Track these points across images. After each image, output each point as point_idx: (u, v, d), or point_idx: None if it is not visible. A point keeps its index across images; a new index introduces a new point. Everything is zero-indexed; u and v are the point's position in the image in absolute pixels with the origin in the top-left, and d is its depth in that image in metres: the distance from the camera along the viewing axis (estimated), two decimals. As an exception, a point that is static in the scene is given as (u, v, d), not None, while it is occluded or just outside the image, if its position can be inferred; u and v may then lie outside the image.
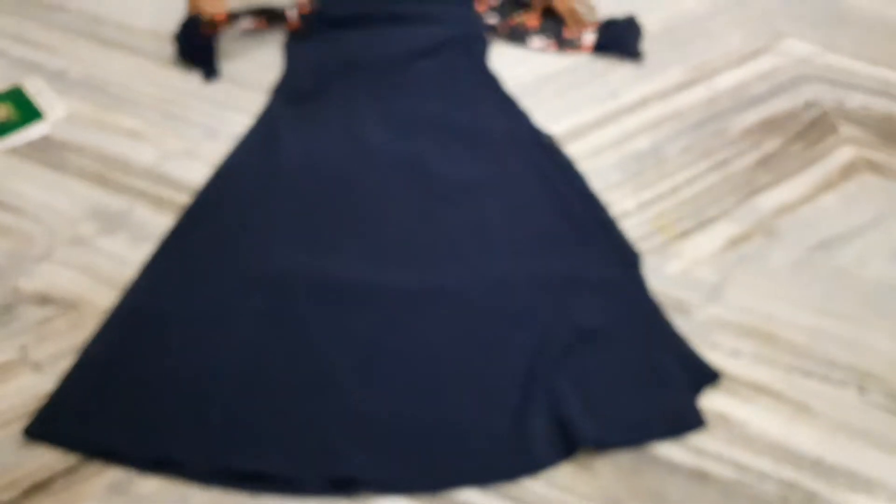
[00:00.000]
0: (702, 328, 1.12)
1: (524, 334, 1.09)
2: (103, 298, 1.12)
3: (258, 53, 1.48)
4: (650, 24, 1.55)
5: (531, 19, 1.54)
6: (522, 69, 1.47)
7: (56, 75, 1.43)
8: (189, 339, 1.07)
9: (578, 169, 1.29)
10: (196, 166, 1.29)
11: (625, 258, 1.18)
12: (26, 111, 1.35)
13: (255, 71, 1.45)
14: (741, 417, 1.04)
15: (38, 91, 1.39)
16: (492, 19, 1.53)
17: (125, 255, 1.18)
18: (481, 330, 1.10)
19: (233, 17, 1.48)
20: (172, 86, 1.42)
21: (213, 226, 1.19)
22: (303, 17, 1.51)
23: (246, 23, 1.51)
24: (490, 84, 1.43)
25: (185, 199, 1.24)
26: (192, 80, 1.43)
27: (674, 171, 1.31)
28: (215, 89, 1.41)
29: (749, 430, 1.03)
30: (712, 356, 1.09)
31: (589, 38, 1.50)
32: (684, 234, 1.23)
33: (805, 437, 1.03)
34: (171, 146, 1.32)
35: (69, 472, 0.97)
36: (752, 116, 1.40)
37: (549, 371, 1.05)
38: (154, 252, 1.16)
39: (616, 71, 1.47)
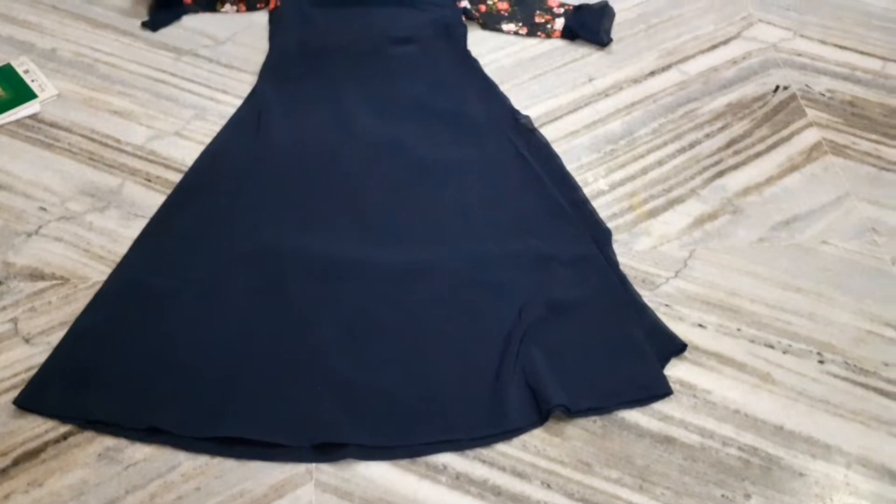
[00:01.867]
0: (668, 301, 1.18)
1: (501, 307, 1.15)
2: (94, 273, 1.17)
3: (247, 36, 1.52)
4: (625, 12, 1.60)
5: (502, 3, 1.58)
6: (501, 54, 1.52)
7: (46, 55, 1.46)
8: (178, 312, 1.12)
9: (554, 150, 1.34)
10: (186, 145, 1.33)
11: (597, 235, 1.24)
12: (16, 90, 1.38)
13: (244, 53, 1.48)
14: (705, 386, 1.10)
15: (28, 71, 1.42)
16: (464, 3, 1.57)
17: (116, 231, 1.22)
18: (461, 303, 1.15)
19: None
20: (163, 67, 1.45)
21: (203, 203, 1.24)
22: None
23: (227, 7, 1.55)
24: (470, 68, 1.47)
25: (175, 176, 1.28)
26: (181, 63, 1.46)
27: (645, 153, 1.37)
28: (205, 72, 1.45)
29: (713, 398, 1.09)
30: (678, 328, 1.15)
31: (559, 22, 1.55)
32: (653, 213, 1.29)
33: (767, 405, 1.09)
34: (162, 126, 1.36)
35: (60, 440, 1.02)
36: (721, 100, 1.46)
37: (523, 341, 1.11)
38: (145, 228, 1.20)
39: (592, 57, 1.52)
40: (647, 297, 1.17)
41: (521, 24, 1.56)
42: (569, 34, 1.55)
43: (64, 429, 1.02)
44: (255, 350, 1.09)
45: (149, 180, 1.28)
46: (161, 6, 1.53)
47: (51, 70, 1.44)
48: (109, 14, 1.54)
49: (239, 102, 1.39)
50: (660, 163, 1.35)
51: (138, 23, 1.52)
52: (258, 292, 1.14)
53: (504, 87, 1.44)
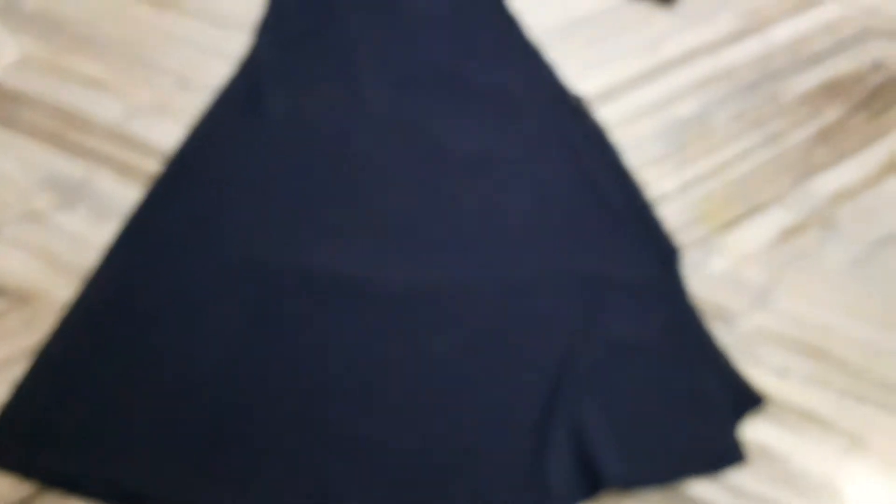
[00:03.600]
0: (746, 340, 0.98)
1: (544, 345, 0.95)
2: (61, 289, 0.98)
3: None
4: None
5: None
6: (547, 12, 1.27)
7: (7, 7, 1.23)
8: (158, 345, 0.93)
9: (611, 139, 1.11)
10: (167, 124, 1.11)
11: (662, 253, 1.03)
12: (-30, 52, 1.16)
13: (238, 4, 1.24)
14: (785, 451, 0.91)
15: (-16, 27, 1.19)
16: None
17: (86, 235, 1.02)
18: (495, 339, 0.96)
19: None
20: (141, 23, 1.22)
21: (186, 202, 1.03)
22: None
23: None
24: (509, 30, 1.23)
25: (153, 165, 1.07)
26: (164, 18, 1.22)
27: (722, 144, 1.14)
28: (190, 29, 1.21)
29: (793, 466, 0.91)
30: (756, 374, 0.95)
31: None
32: (731, 223, 1.07)
33: (857, 476, 0.91)
34: (139, 98, 1.14)
35: (24, 502, 0.85)
36: (811, 79, 1.21)
37: (573, 392, 0.92)
38: (118, 234, 1.00)
39: (658, 18, 1.27)
40: (720, 335, 0.97)
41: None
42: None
43: (28, 489, 0.86)
44: (248, 398, 0.90)
45: (123, 169, 1.07)
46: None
47: (12, 25, 1.20)
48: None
49: (231, 69, 1.16)
50: (738, 158, 1.13)
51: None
52: (251, 321, 0.95)
53: (550, 55, 1.20)
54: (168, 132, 1.10)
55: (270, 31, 1.20)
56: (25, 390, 0.90)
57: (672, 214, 1.07)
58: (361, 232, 1.02)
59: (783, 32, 1.25)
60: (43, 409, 0.89)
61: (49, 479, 0.86)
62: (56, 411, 0.89)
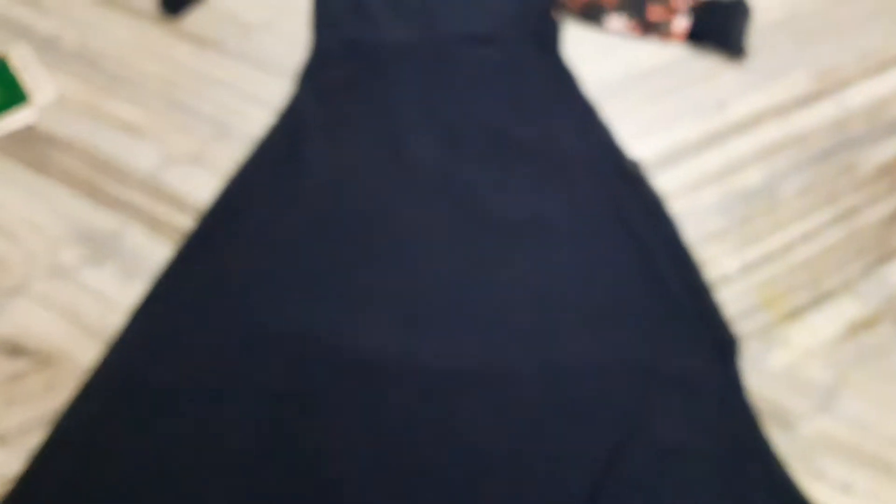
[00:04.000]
0: (806, 448, 0.90)
1: (590, 441, 0.89)
2: (84, 352, 0.94)
3: (285, 23, 1.22)
4: (768, 11, 1.24)
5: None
6: (604, 64, 1.19)
7: (46, 43, 1.20)
8: (180, 420, 0.89)
9: (669, 209, 1.03)
10: (202, 176, 1.07)
11: (719, 344, 0.95)
12: (10, 91, 1.13)
13: (280, 47, 1.19)
14: (847, 577, 0.84)
15: (24, 65, 1.16)
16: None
17: (113, 295, 0.98)
18: (536, 430, 0.89)
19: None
20: (180, 64, 1.18)
21: (215, 264, 0.98)
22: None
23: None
24: (565, 85, 1.15)
25: (185, 220, 1.03)
26: (204, 59, 1.18)
27: (788, 221, 1.05)
28: (230, 71, 1.17)
29: None
30: (816, 489, 0.88)
31: (681, 22, 1.20)
32: (795, 313, 0.99)
33: None
34: (175, 146, 1.10)
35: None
36: (890, 149, 1.11)
37: (616, 494, 0.85)
38: (145, 296, 0.96)
39: (724, 73, 1.18)
40: (779, 441, 0.90)
41: (631, 21, 1.22)
42: (694, 38, 1.20)
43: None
44: (269, 480, 0.86)
45: (155, 224, 1.03)
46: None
47: (51, 64, 1.17)
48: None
49: (270, 117, 1.11)
50: (807, 238, 1.04)
51: (154, 4, 1.23)
52: (275, 397, 0.90)
53: (606, 112, 1.12)
54: (203, 184, 1.06)
55: (312, 78, 1.15)
56: (40, 463, 0.87)
57: (732, 299, 0.99)
58: (398, 302, 0.97)
59: (861, 96, 1.16)
60: (57, 485, 0.86)
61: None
62: (70, 489, 0.85)
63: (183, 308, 0.95)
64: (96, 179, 1.07)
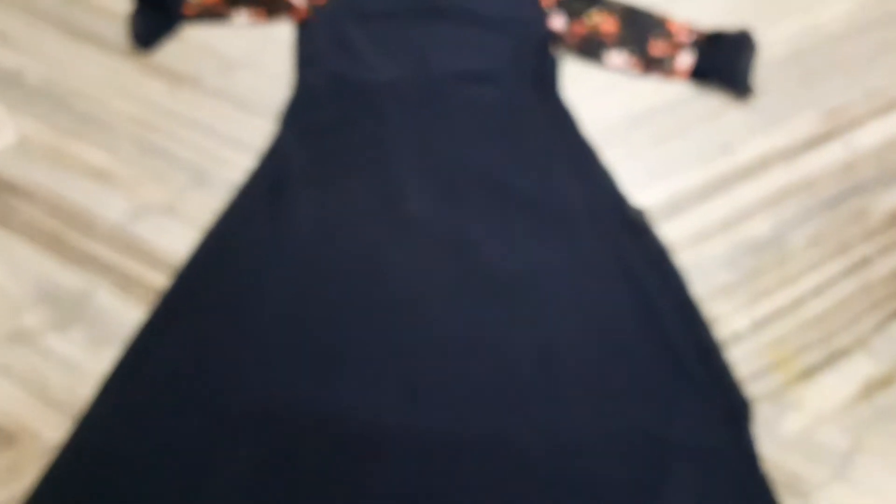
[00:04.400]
0: (826, 523, 0.85)
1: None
2: (50, 429, 0.87)
3: (266, 57, 1.15)
4: (773, 46, 1.19)
5: (608, 23, 1.18)
6: (607, 105, 1.13)
7: (10, 78, 1.11)
8: (159, 502, 0.82)
9: (675, 262, 0.98)
10: (177, 228, 1.00)
11: (731, 408, 0.90)
12: (-35, 132, 1.05)
13: (262, 84, 1.12)
14: None
15: (-18, 103, 1.08)
16: (557, 21, 1.17)
17: (81, 363, 0.91)
18: (535, 507, 0.84)
19: (227, 2, 1.15)
20: (153, 102, 1.10)
21: (191, 330, 0.91)
22: (315, 7, 1.16)
23: (240, 17, 1.17)
24: (564, 128, 1.09)
25: (159, 278, 0.96)
26: (179, 98, 1.10)
27: (799, 274, 1.00)
28: (208, 111, 1.09)
29: None
30: (838, 567, 0.83)
31: (685, 59, 1.15)
32: (808, 373, 0.94)
33: None
34: (148, 195, 1.02)
35: None
36: (901, 193, 1.07)
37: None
38: (116, 365, 0.89)
39: (729, 113, 1.13)
40: (797, 515, 0.85)
41: (632, 57, 1.16)
42: (699, 75, 1.15)
43: None
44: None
45: (126, 283, 0.96)
46: (148, 8, 1.15)
47: (11, 102, 1.09)
48: (95, 20, 1.17)
49: (251, 162, 1.04)
50: (818, 291, 0.99)
51: (129, 34, 1.15)
52: (259, 475, 0.83)
53: (608, 156, 1.06)
54: (178, 237, 0.98)
55: (296, 119, 1.08)
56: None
57: (742, 359, 0.94)
58: (392, 369, 0.90)
59: (869, 137, 1.11)
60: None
61: None
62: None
63: (158, 378, 0.88)
64: (61, 232, 0.99)
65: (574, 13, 1.18)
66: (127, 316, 0.93)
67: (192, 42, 1.15)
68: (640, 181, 1.05)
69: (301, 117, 1.08)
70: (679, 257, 1.00)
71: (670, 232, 1.02)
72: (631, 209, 1.02)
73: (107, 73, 1.12)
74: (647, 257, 0.99)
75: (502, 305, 0.95)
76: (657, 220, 1.03)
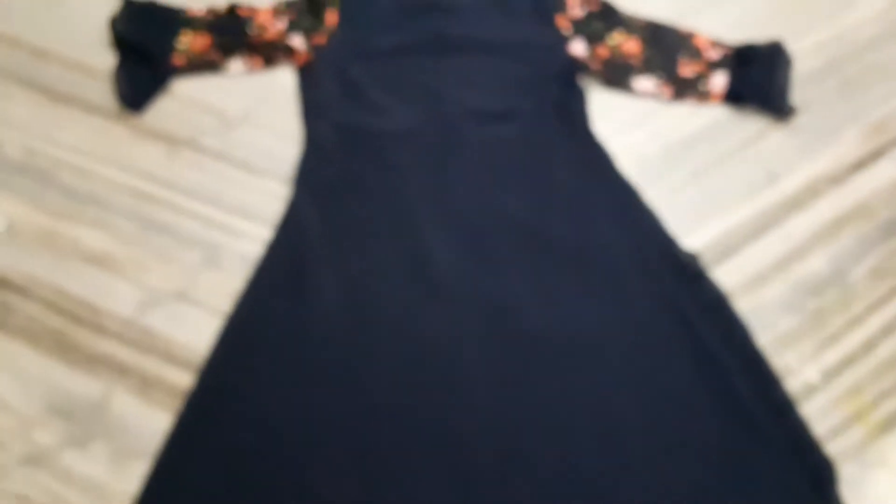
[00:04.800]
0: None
1: None
2: (79, 562, 0.78)
3: (268, 110, 1.05)
4: (808, 57, 1.12)
5: (630, 43, 1.09)
6: (639, 135, 1.06)
7: (-16, 154, 1.01)
8: None
9: (735, 311, 0.91)
10: (193, 316, 0.91)
11: (813, 471, 0.84)
12: (-57, 222, 0.94)
13: (266, 140, 1.03)
14: None
15: (-42, 187, 0.97)
16: (578, 46, 1.08)
17: (105, 483, 0.82)
18: None
19: (219, 49, 1.05)
20: (150, 171, 1.00)
21: (226, 436, 0.83)
22: (316, 49, 1.06)
23: (235, 65, 1.07)
24: (598, 166, 1.01)
25: (180, 377, 0.87)
26: (178, 162, 1.01)
27: (866, 312, 0.94)
28: (213, 175, 1.00)
29: None
30: None
31: (718, 80, 1.07)
32: (889, 423, 0.88)
33: None
34: (156, 281, 0.93)
35: None
36: (962, 211, 1.01)
37: None
38: (145, 485, 0.80)
39: (770, 136, 1.06)
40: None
41: (661, 81, 1.08)
42: (734, 98, 1.07)
43: None
44: None
45: (145, 385, 0.87)
46: (133, 63, 1.05)
47: (-8, 183, 0.98)
48: (76, 79, 1.06)
49: (266, 232, 0.95)
50: (887, 330, 0.93)
51: (115, 94, 1.04)
52: None
53: (648, 195, 0.99)
54: (195, 326, 0.90)
55: (308, 179, 0.99)
56: None
57: (817, 414, 0.88)
58: (442, 462, 0.83)
59: (920, 151, 1.05)
60: None
61: None
62: None
63: (191, 497, 0.80)
64: (67, 332, 0.90)
65: (594, 36, 1.10)
66: (150, 424, 0.84)
67: (186, 98, 1.05)
68: (684, 221, 0.98)
69: (313, 177, 0.99)
70: (737, 303, 0.93)
71: (723, 276, 0.95)
72: (683, 254, 0.95)
73: (94, 139, 1.02)
74: (705, 307, 0.92)
75: (552, 376, 0.88)
76: (708, 263, 0.95)
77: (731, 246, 0.98)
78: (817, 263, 0.97)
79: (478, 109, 1.04)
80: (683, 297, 0.92)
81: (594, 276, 0.94)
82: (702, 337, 0.90)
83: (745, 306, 0.93)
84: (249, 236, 0.95)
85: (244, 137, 1.03)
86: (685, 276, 0.94)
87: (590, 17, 1.11)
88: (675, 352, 0.89)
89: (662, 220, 0.96)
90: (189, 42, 1.06)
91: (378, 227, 0.96)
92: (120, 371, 0.87)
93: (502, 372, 0.87)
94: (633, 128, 1.06)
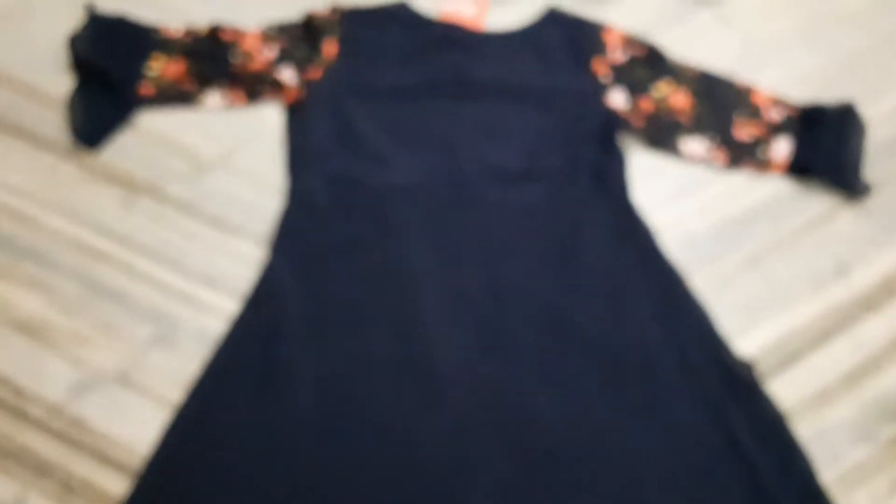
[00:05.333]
0: None
1: None
2: None
3: (249, 154, 0.90)
4: (876, 125, 0.95)
5: (679, 96, 0.93)
6: (685, 209, 0.89)
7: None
8: None
9: (794, 436, 0.74)
10: (136, 406, 0.75)
11: None
12: None
13: (244, 192, 0.87)
14: None
15: None
16: (617, 97, 0.92)
17: None
18: None
19: (195, 78, 0.89)
20: (103, 221, 0.84)
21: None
22: (309, 84, 0.91)
23: (213, 98, 0.91)
24: (638, 245, 0.85)
25: (113, 482, 0.71)
26: (136, 212, 0.85)
27: (955, 449, 0.77)
28: (177, 234, 0.84)
29: None
30: None
31: (782, 146, 0.91)
32: None
33: None
34: (96, 358, 0.77)
35: None
36: None
37: None
38: None
39: (839, 217, 0.90)
40: None
41: (713, 143, 0.92)
42: (798, 169, 0.91)
43: None
44: None
45: (67, 492, 0.71)
46: (93, 89, 0.89)
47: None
48: (22, 106, 0.91)
49: (232, 306, 0.79)
50: (978, 472, 0.76)
51: (69, 126, 0.89)
52: None
53: (694, 281, 0.82)
54: (136, 419, 0.74)
55: (291, 241, 0.83)
56: None
57: (894, 576, 0.71)
58: None
59: None
60: None
61: None
62: None
63: None
64: (-19, 418, 0.74)
65: (637, 86, 0.94)
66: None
67: (151, 135, 0.90)
68: (737, 318, 0.82)
69: (295, 239, 0.83)
70: (799, 426, 0.76)
71: (781, 391, 0.78)
72: (735, 360, 0.78)
73: (40, 179, 0.86)
74: (758, 429, 0.76)
75: (577, 501, 0.71)
76: (764, 373, 0.79)
77: (791, 353, 0.81)
78: (894, 381, 0.80)
79: (498, 165, 0.88)
80: (733, 416, 0.76)
81: (628, 383, 0.77)
82: (754, 466, 0.73)
83: (807, 430, 0.77)
84: (212, 310, 0.80)
85: (217, 186, 0.87)
86: (736, 388, 0.77)
87: (633, 62, 0.95)
88: (722, 482, 0.73)
89: (711, 315, 0.80)
90: (160, 68, 0.90)
91: (370, 306, 0.80)
92: (38, 470, 0.71)
93: (520, 496, 0.71)
94: (678, 199, 0.90)
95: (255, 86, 0.91)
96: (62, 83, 0.91)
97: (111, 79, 0.89)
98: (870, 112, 0.95)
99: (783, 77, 0.97)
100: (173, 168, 0.87)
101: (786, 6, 1.04)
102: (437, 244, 0.83)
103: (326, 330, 0.78)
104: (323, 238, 0.83)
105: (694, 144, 0.92)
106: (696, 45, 0.99)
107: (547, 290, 0.82)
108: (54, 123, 0.89)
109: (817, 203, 0.90)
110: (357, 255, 0.82)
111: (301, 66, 0.92)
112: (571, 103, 0.93)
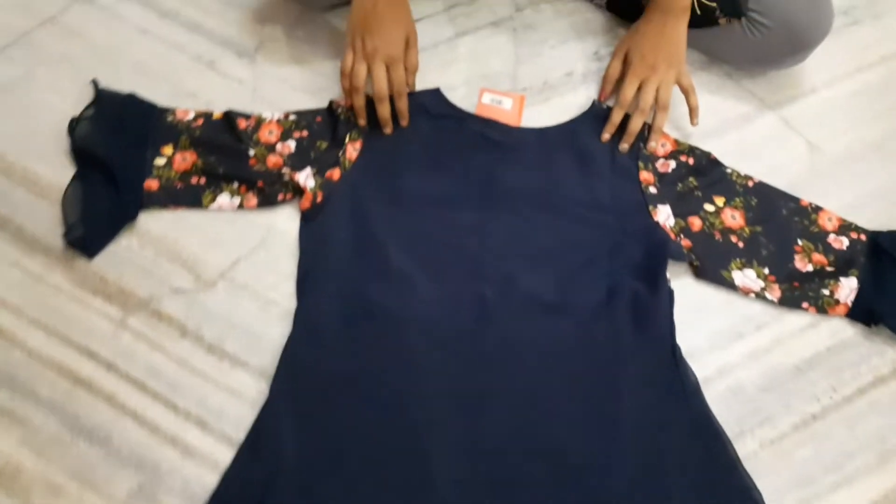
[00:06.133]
0: None
1: None
2: None
3: (257, 266, 0.81)
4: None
5: (732, 215, 0.84)
6: (734, 355, 0.80)
7: None
8: None
9: None
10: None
11: None
12: None
13: (245, 315, 0.78)
14: None
15: None
16: (662, 212, 0.82)
17: None
18: None
19: (204, 174, 0.81)
20: (90, 339, 0.77)
21: None
22: (328, 184, 0.82)
23: (221, 200, 0.82)
24: (681, 398, 0.75)
25: None
26: (129, 333, 0.77)
27: None
28: (171, 361, 0.76)
29: None
30: None
31: (846, 287, 0.81)
32: None
33: None
34: (74, 509, 0.69)
35: None
36: None
37: None
38: None
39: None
40: None
41: (768, 277, 0.82)
42: (862, 314, 0.81)
43: None
44: None
45: None
46: (96, 185, 0.81)
47: None
48: (16, 196, 0.83)
49: (225, 453, 0.71)
50: None
51: (54, 221, 0.81)
52: None
53: (744, 446, 0.73)
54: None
55: (294, 375, 0.75)
56: None
57: None
58: None
59: None
60: None
61: None
62: None
63: None
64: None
65: (681, 200, 0.84)
66: None
67: (150, 237, 0.82)
68: (794, 493, 0.72)
69: (299, 373, 0.75)
70: None
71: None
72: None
73: (25, 287, 0.78)
74: None
75: None
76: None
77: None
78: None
79: (529, 294, 0.79)
80: None
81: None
82: None
83: None
84: (202, 457, 0.72)
85: (216, 305, 0.78)
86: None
87: (682, 170, 0.85)
88: None
89: (761, 488, 0.70)
90: (168, 159, 0.82)
91: (374, 454, 0.71)
92: None
93: None
94: (724, 343, 0.80)
95: (268, 186, 0.82)
96: (61, 168, 0.83)
97: (118, 173, 0.81)
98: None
99: (854, 193, 0.87)
100: (171, 281, 0.79)
101: (860, 115, 0.94)
102: (455, 388, 0.74)
103: (322, 482, 0.69)
104: (328, 371, 0.74)
105: (747, 277, 0.82)
106: (758, 152, 0.89)
107: (577, 451, 0.72)
108: (46, 218, 0.81)
109: (882, 352, 0.80)
110: (362, 394, 0.73)
111: (320, 163, 0.83)
112: (613, 219, 0.84)
